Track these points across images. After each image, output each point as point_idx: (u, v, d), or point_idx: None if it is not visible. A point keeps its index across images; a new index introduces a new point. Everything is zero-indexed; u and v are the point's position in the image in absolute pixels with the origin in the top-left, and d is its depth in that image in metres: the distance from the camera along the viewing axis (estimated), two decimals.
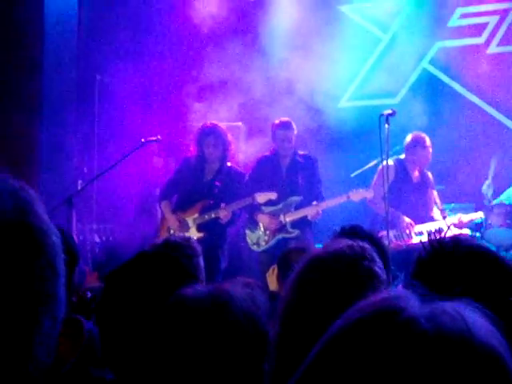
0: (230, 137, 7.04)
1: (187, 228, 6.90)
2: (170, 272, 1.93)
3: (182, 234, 6.29)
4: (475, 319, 0.89)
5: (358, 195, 6.86)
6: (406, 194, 7.16)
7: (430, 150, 7.24)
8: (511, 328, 1.82)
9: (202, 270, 3.27)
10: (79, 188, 7.68)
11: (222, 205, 6.80)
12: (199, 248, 3.33)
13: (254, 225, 7.00)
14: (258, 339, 1.53)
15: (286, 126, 6.98)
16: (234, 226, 7.09)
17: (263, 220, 6.93)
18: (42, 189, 7.60)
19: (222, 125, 7.34)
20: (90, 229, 8.39)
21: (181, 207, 7.01)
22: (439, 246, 1.93)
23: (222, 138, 6.90)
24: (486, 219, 7.57)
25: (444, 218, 7.21)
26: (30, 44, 7.74)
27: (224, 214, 6.75)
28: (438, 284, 1.71)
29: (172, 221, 6.97)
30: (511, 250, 7.55)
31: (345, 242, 2.03)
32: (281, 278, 3.85)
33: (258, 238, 6.96)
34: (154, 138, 7.02)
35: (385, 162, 6.41)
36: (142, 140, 6.99)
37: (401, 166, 7.29)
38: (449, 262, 1.85)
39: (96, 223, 8.53)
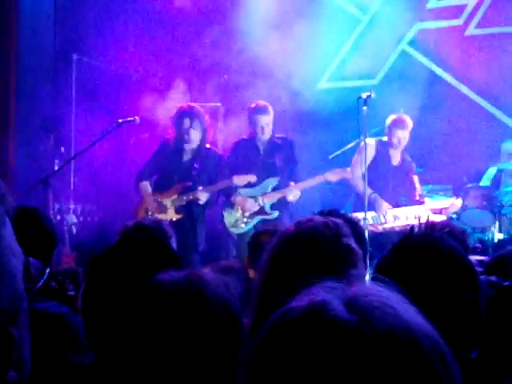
0: (207, 118, 7.01)
1: (165, 209, 6.88)
2: (156, 257, 1.93)
3: (153, 217, 6.29)
4: (401, 304, 0.89)
5: (334, 176, 6.86)
6: (385, 176, 7.18)
7: (408, 131, 7.26)
8: (465, 324, 1.84)
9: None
10: (56, 168, 7.62)
11: (200, 187, 6.78)
12: (170, 230, 3.34)
13: (231, 207, 6.99)
14: (231, 325, 1.54)
15: (262, 110, 6.96)
16: (211, 208, 7.08)
17: (241, 202, 6.93)
18: (17, 168, 7.54)
19: (201, 105, 7.30)
20: (67, 209, 8.33)
21: (159, 189, 6.99)
22: (406, 239, 1.93)
23: (199, 120, 6.87)
24: (463, 201, 7.63)
25: (421, 203, 7.24)
26: (5, 22, 7.63)
27: (202, 195, 6.74)
28: (399, 275, 1.73)
29: (150, 202, 6.95)
30: (487, 231, 7.62)
31: (318, 219, 2.02)
32: (251, 262, 3.84)
33: (237, 220, 6.95)
34: (130, 119, 6.97)
35: (363, 143, 6.42)
36: (119, 120, 6.94)
37: (382, 147, 7.30)
38: (406, 256, 1.86)
39: (74, 203, 8.48)
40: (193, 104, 7.18)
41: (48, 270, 2.90)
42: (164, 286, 1.55)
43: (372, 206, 6.87)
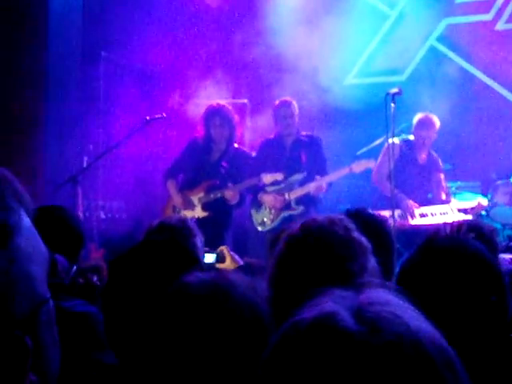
0: (236, 117, 7.02)
1: (193, 207, 6.91)
2: (176, 260, 1.93)
3: (179, 215, 6.32)
4: (404, 309, 0.89)
5: (360, 166, 6.83)
6: (410, 175, 7.12)
7: (435, 131, 7.20)
8: (493, 326, 1.82)
9: (199, 250, 3.27)
10: (85, 165, 7.68)
11: (230, 184, 6.80)
12: (196, 229, 3.34)
13: (258, 205, 7.00)
14: (258, 328, 1.53)
15: (286, 103, 6.96)
16: (240, 206, 7.09)
17: (267, 199, 6.93)
18: (47, 166, 7.61)
19: (228, 102, 7.31)
20: (95, 205, 8.40)
21: (187, 186, 7.02)
22: (432, 241, 1.91)
23: (228, 119, 6.88)
24: (492, 198, 7.56)
25: (447, 202, 7.19)
26: (34, 21, 7.70)
27: (230, 194, 6.76)
28: (421, 282, 1.71)
29: (177, 199, 6.98)
30: None
31: (321, 218, 1.98)
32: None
33: (264, 217, 6.96)
34: (158, 116, 7.01)
35: (390, 141, 6.38)
36: (147, 118, 6.98)
37: (407, 146, 7.25)
38: (430, 258, 1.84)
39: (102, 200, 8.54)
40: (222, 102, 7.19)
41: (75, 268, 2.92)
42: (191, 288, 1.55)
43: (398, 205, 6.83)
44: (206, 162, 6.97)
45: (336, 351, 0.85)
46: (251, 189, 6.95)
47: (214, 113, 6.90)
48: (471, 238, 1.92)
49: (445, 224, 2.06)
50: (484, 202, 7.19)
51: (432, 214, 6.95)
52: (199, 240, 3.34)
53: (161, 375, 1.52)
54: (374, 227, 2.57)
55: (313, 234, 1.90)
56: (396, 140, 7.00)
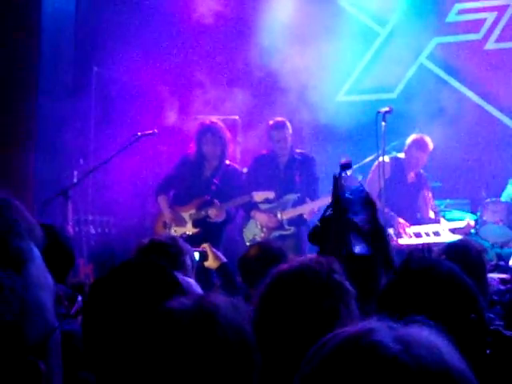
0: (228, 134, 7.04)
1: (184, 223, 6.91)
2: (156, 282, 1.94)
3: (169, 233, 6.32)
4: (445, 346, 0.93)
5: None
6: (400, 193, 7.15)
7: (428, 153, 7.24)
8: (468, 344, 1.84)
9: (188, 268, 3.28)
10: (75, 179, 7.67)
11: (216, 202, 6.79)
12: (186, 246, 3.34)
13: (250, 222, 7.02)
14: (244, 350, 1.53)
15: (280, 126, 6.99)
16: (230, 223, 7.09)
17: (260, 218, 6.96)
18: (37, 179, 7.60)
19: (219, 119, 7.33)
20: (85, 220, 8.38)
21: (178, 203, 7.03)
22: (405, 265, 1.94)
23: (220, 136, 6.91)
24: (481, 216, 7.60)
25: (437, 221, 7.22)
26: (27, 35, 7.72)
27: (213, 212, 6.76)
28: (401, 304, 1.74)
29: (168, 215, 6.98)
30: (505, 246, 7.57)
31: (311, 257, 2.06)
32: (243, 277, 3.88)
33: (255, 235, 6.98)
34: (150, 132, 7.01)
35: (381, 159, 6.41)
36: (139, 133, 6.98)
37: (398, 164, 7.28)
38: (406, 280, 1.86)
39: (92, 215, 8.52)
40: (214, 119, 7.21)
41: (80, 299, 2.89)
42: (176, 314, 1.54)
43: (388, 224, 6.84)
44: (198, 178, 6.97)
45: (370, 364, 0.88)
46: (244, 206, 6.96)
47: (206, 130, 6.93)
48: (444, 259, 1.96)
49: (423, 245, 2.11)
50: (472, 222, 7.24)
51: (426, 234, 6.98)
52: (189, 258, 3.35)
53: None
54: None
55: (296, 269, 1.98)
56: (386, 158, 7.04)
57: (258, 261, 3.77)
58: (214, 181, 6.92)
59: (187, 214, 6.95)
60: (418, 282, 1.83)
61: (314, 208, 6.82)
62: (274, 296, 1.95)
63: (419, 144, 7.21)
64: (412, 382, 0.86)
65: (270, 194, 6.75)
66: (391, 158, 7.25)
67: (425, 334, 0.93)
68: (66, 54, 8.18)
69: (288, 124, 7.03)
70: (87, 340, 1.92)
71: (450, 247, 3.29)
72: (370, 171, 7.28)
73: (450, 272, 1.85)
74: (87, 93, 8.63)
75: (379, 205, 6.48)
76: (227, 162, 7.05)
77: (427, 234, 6.97)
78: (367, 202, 2.72)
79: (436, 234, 6.97)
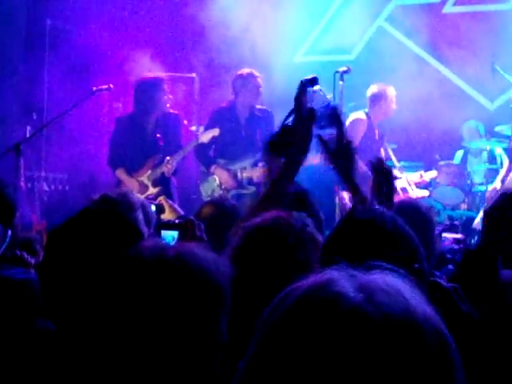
0: (166, 87, 6.86)
1: (145, 188, 6.80)
2: (114, 229, 1.92)
3: (120, 190, 6.21)
4: (409, 292, 0.90)
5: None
6: (372, 150, 7.03)
7: (393, 101, 7.23)
8: None
9: (139, 223, 3.22)
10: (28, 135, 7.51)
11: (167, 158, 6.70)
12: (138, 202, 3.30)
13: (208, 176, 6.98)
14: (215, 296, 1.54)
15: (252, 74, 6.95)
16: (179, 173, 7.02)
17: (220, 174, 6.91)
18: None
19: (176, 76, 7.22)
20: (38, 176, 8.25)
21: (133, 169, 6.87)
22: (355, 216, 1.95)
23: (160, 88, 6.74)
24: (434, 178, 7.71)
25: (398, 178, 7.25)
26: None
27: (167, 168, 6.69)
28: (345, 253, 1.75)
29: (132, 185, 6.79)
30: (457, 208, 7.70)
31: (282, 213, 2.06)
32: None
33: (213, 190, 6.94)
34: (105, 87, 6.87)
35: (355, 116, 6.34)
36: (93, 88, 6.84)
37: (370, 121, 7.21)
38: (350, 230, 1.88)
39: (45, 171, 8.40)
40: (153, 74, 7.07)
41: (10, 234, 2.89)
42: (148, 251, 1.54)
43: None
44: (142, 138, 6.82)
45: (331, 315, 0.85)
46: (202, 160, 6.92)
47: (145, 84, 6.78)
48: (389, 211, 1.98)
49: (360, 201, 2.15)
50: (427, 176, 7.34)
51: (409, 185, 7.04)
52: (140, 213, 3.30)
53: (113, 341, 1.50)
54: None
55: (269, 223, 2.00)
56: (361, 115, 7.00)
57: (211, 220, 3.75)
58: (158, 135, 6.79)
59: (145, 177, 6.85)
60: (362, 231, 1.84)
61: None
62: (249, 248, 1.96)
63: (381, 93, 7.18)
64: (376, 331, 0.84)
65: (215, 131, 6.70)
66: (365, 114, 7.18)
67: (387, 280, 0.90)
68: (17, 7, 7.96)
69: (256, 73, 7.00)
70: (46, 288, 1.90)
71: (401, 204, 3.35)
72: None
73: (393, 222, 1.87)
74: (40, 46, 8.42)
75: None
76: (167, 110, 6.88)
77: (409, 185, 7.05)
78: (334, 117, 2.65)
79: (403, 190, 7.05)
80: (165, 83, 6.85)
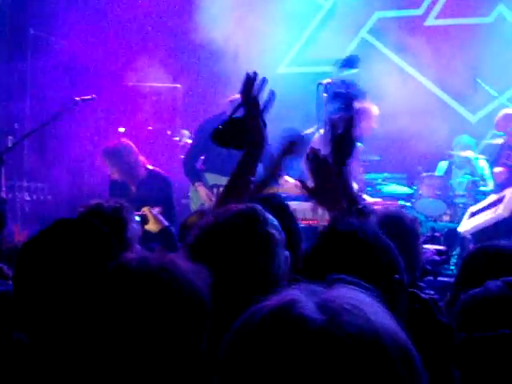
0: (132, 149, 6.34)
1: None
2: (89, 240, 1.90)
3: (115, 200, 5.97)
4: (371, 307, 0.90)
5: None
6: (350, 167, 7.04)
7: (374, 120, 7.24)
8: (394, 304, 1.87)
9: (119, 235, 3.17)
10: (9, 144, 7.47)
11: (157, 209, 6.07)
12: (130, 217, 3.25)
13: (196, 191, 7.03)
14: (199, 310, 1.53)
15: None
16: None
17: (201, 192, 6.93)
18: None
19: (159, 87, 7.17)
20: (19, 186, 8.20)
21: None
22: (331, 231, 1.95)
23: (116, 159, 6.26)
24: (417, 190, 7.74)
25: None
26: None
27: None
28: (326, 266, 1.75)
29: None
30: (439, 220, 7.73)
31: (235, 207, 2.05)
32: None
33: (201, 203, 6.97)
34: (88, 97, 6.84)
35: (321, 131, 6.40)
36: (77, 98, 6.81)
37: None
38: (332, 242, 1.88)
39: (26, 181, 8.34)
40: (115, 142, 6.50)
41: None
42: (134, 266, 1.53)
43: None
44: (129, 199, 6.47)
45: (295, 338, 0.85)
46: (190, 176, 6.98)
47: (107, 154, 6.31)
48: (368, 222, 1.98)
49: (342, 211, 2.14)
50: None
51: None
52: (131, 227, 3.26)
53: (94, 354, 1.49)
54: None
55: (221, 222, 1.99)
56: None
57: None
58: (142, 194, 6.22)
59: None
60: (344, 243, 1.83)
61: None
62: (203, 245, 1.94)
63: (360, 113, 7.19)
64: (341, 352, 0.84)
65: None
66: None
67: (349, 297, 0.90)
68: (0, 14, 7.92)
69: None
70: (19, 301, 1.88)
71: (385, 215, 3.35)
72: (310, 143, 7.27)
73: (374, 234, 1.87)
74: (23, 56, 8.38)
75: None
76: (147, 167, 6.43)
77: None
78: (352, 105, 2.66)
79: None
80: (130, 146, 6.36)
